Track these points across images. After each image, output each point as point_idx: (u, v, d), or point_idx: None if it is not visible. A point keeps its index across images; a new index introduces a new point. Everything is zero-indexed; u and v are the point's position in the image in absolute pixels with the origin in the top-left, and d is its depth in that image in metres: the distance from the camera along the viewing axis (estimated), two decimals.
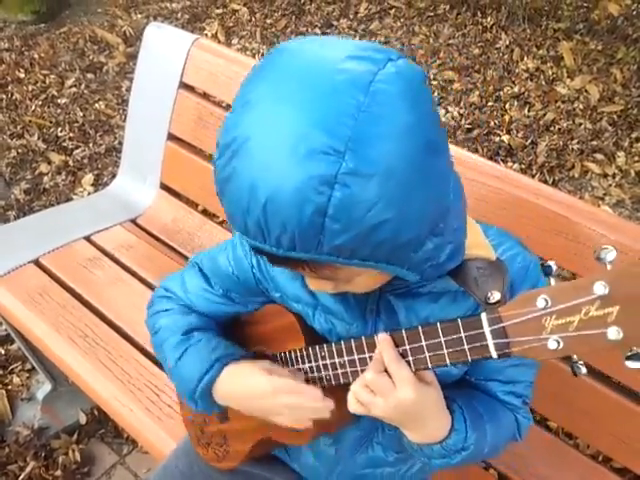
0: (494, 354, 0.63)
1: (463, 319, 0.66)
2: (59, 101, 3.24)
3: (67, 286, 1.56)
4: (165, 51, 1.74)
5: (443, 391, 0.75)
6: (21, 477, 1.68)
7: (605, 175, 2.60)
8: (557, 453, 1.24)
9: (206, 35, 3.66)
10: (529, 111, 2.96)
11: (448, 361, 0.67)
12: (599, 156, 2.67)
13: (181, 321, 0.91)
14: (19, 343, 1.72)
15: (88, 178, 2.72)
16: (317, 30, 3.75)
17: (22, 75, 3.44)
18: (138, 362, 1.37)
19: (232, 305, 0.92)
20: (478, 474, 1.23)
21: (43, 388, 1.84)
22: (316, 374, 0.81)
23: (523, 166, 2.65)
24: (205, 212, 1.83)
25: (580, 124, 2.84)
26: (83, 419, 1.83)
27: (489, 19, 3.68)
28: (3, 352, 1.99)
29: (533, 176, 2.56)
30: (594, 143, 2.73)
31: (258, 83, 0.59)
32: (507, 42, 3.47)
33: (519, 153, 2.72)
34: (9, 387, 1.91)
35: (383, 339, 0.71)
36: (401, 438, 0.78)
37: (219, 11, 4.02)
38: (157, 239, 1.74)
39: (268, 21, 3.91)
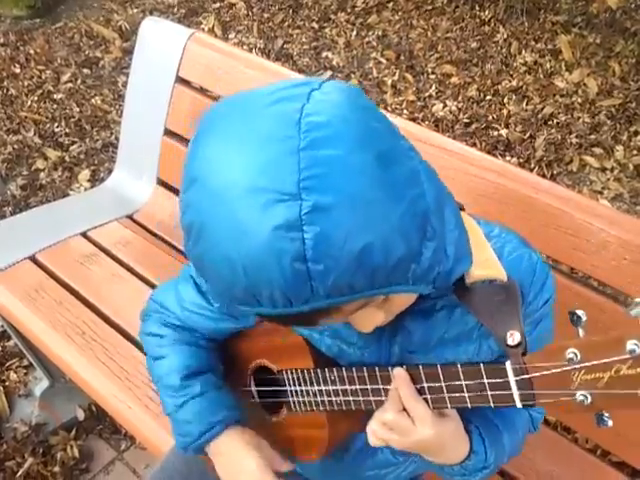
0: (519, 404, 0.62)
1: (486, 364, 0.64)
2: (55, 96, 3.22)
3: (64, 282, 1.55)
4: (161, 45, 1.73)
5: (458, 409, 0.72)
6: (19, 473, 1.68)
7: (603, 169, 2.60)
8: (556, 448, 1.24)
9: (203, 30, 3.64)
10: (527, 105, 2.95)
11: (469, 404, 0.66)
12: (597, 150, 2.66)
13: (179, 360, 0.89)
14: (16, 340, 1.72)
15: (84, 174, 2.71)
16: (314, 24, 3.73)
17: (17, 70, 3.42)
18: (136, 359, 1.36)
19: (231, 321, 0.88)
20: None
21: (40, 384, 1.84)
22: (325, 398, 0.79)
23: (521, 160, 2.64)
24: None
25: (578, 118, 2.83)
26: (81, 415, 1.83)
27: (487, 12, 3.67)
28: (0, 349, 1.98)
29: (531, 170, 2.56)
30: (592, 137, 2.73)
31: (197, 154, 0.59)
32: (505, 35, 3.45)
33: (517, 147, 2.72)
34: (6, 383, 1.91)
35: (399, 375, 0.69)
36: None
37: (216, 5, 3.99)
38: (154, 235, 1.73)
39: (265, 15, 3.89)
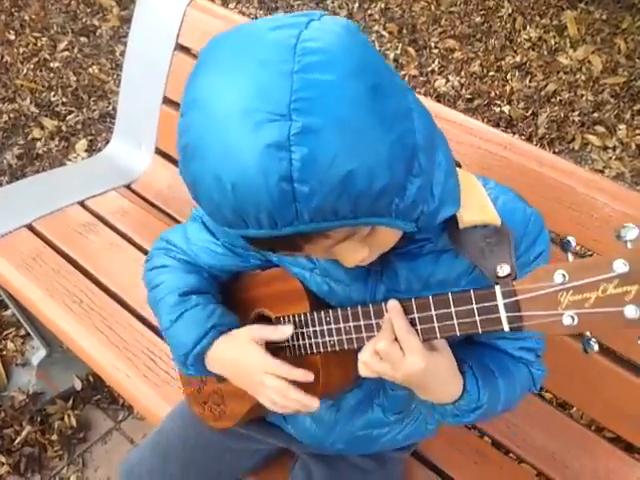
0: (506, 327, 0.63)
1: (476, 290, 0.65)
2: (51, 65, 3.17)
3: (61, 251, 1.54)
4: (160, 12, 1.69)
5: (453, 350, 0.74)
6: (17, 441, 1.69)
7: (605, 148, 2.58)
8: (552, 423, 1.25)
9: None
10: (530, 82, 2.91)
11: (458, 332, 0.67)
12: (600, 128, 2.64)
13: (180, 281, 0.90)
14: (13, 308, 1.71)
15: (82, 144, 2.68)
16: None
17: (12, 37, 3.36)
18: (134, 328, 1.36)
19: (234, 257, 0.91)
20: (473, 441, 1.24)
21: (38, 354, 1.84)
22: (320, 339, 0.80)
23: (523, 137, 2.62)
24: None
25: (582, 96, 2.80)
26: (78, 385, 1.83)
27: None
28: None
29: (530, 145, 2.54)
30: (595, 115, 2.70)
31: (196, 81, 0.60)
32: (510, 10, 3.40)
33: (519, 124, 2.69)
34: (4, 353, 1.91)
35: (393, 306, 0.70)
36: (410, 398, 0.79)
37: None
38: (152, 205, 1.72)
39: None
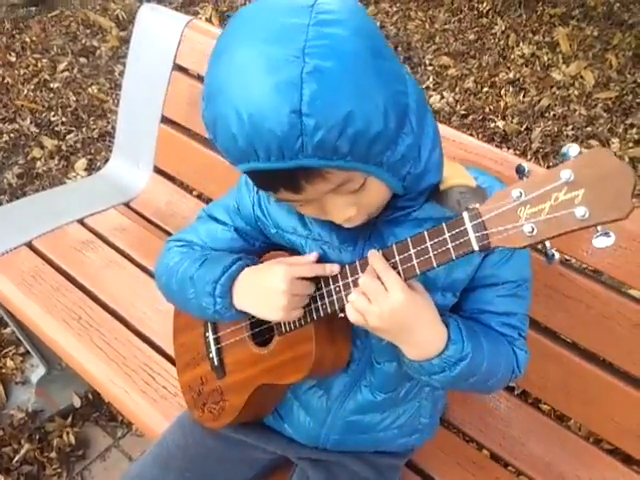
0: (475, 247, 0.68)
1: (447, 222, 0.71)
2: (52, 85, 3.21)
3: (60, 269, 1.55)
4: (158, 32, 1.72)
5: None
6: (16, 459, 1.69)
7: None
8: (550, 434, 1.25)
9: (200, 19, 3.63)
10: (524, 97, 2.95)
11: (435, 263, 0.72)
12: (594, 142, 2.67)
13: (197, 253, 0.97)
14: (13, 326, 1.72)
15: (81, 163, 2.70)
16: None
17: (13, 59, 3.41)
18: (133, 344, 1.37)
19: (240, 240, 0.98)
20: (470, 453, 1.24)
21: (37, 372, 1.84)
22: (312, 305, 0.84)
23: (518, 152, 2.65)
24: (200, 197, 1.82)
25: (575, 110, 2.84)
26: (77, 402, 1.83)
27: (485, 4, 3.66)
28: None
29: (528, 162, 2.57)
30: (589, 129, 2.74)
31: (225, 35, 0.70)
32: (503, 27, 3.46)
33: (514, 139, 2.72)
34: (3, 370, 1.91)
35: (372, 253, 0.77)
36: (397, 374, 0.83)
37: None
38: (151, 222, 1.73)
39: None
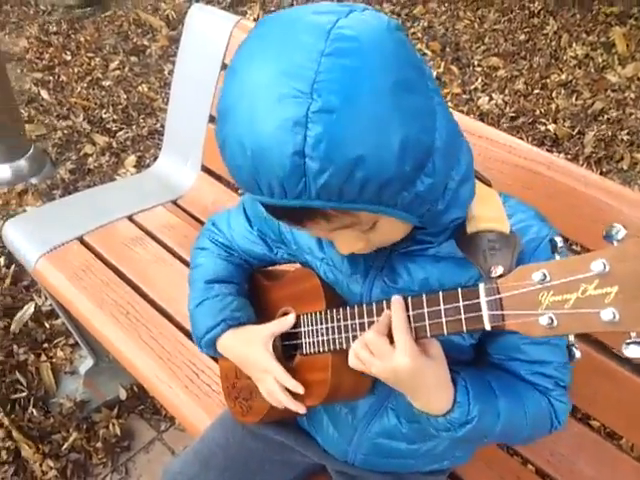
0: (487, 326, 0.63)
1: (463, 288, 0.66)
2: (103, 83, 3.30)
3: (110, 264, 1.59)
4: (208, 32, 1.74)
5: (451, 365, 0.75)
6: (64, 446, 1.74)
7: None
8: (600, 454, 1.20)
9: (248, 19, 3.67)
10: (577, 100, 2.87)
11: (446, 331, 0.68)
12: None
13: (211, 267, 1.00)
14: (63, 318, 1.77)
15: (131, 160, 2.77)
16: None
17: (69, 58, 3.52)
18: (178, 341, 1.39)
19: (263, 246, 0.99)
20: (515, 468, 1.21)
21: (85, 363, 1.90)
22: (329, 336, 0.83)
23: (569, 157, 2.58)
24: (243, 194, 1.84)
25: (631, 114, 2.74)
26: (123, 394, 1.87)
27: (537, 4, 3.58)
28: (48, 326, 2.05)
29: (576, 166, 2.50)
30: None
31: (240, 52, 0.65)
32: (555, 28, 3.37)
33: (565, 143, 2.65)
34: (53, 360, 1.97)
35: (396, 300, 0.72)
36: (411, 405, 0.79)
37: None
38: (198, 220, 1.76)
39: None
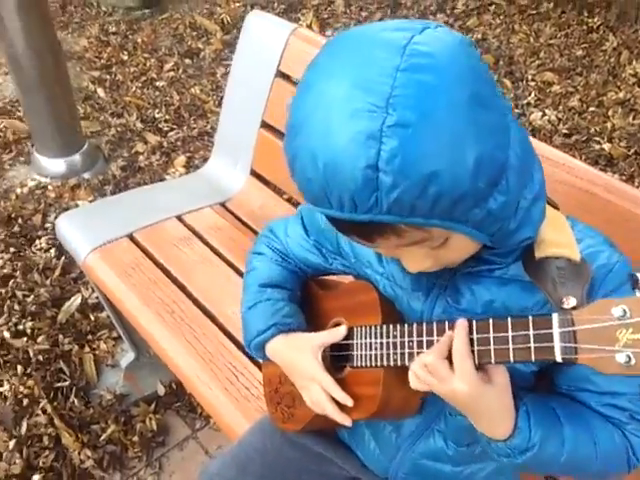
0: (558, 358, 0.61)
1: (535, 316, 0.64)
2: (158, 84, 3.37)
3: (158, 262, 1.62)
4: (264, 39, 1.76)
5: (516, 390, 0.73)
6: (102, 437, 1.77)
7: None
8: None
9: (301, 26, 3.70)
10: (634, 119, 2.79)
11: (512, 358, 0.66)
12: None
13: (266, 272, 1.01)
14: (108, 311, 1.81)
15: (180, 160, 2.82)
16: None
17: (125, 57, 3.61)
18: (220, 342, 1.41)
19: (318, 256, 0.98)
20: None
21: (127, 357, 1.94)
22: (384, 351, 0.82)
23: (624, 177, 2.51)
24: (290, 201, 1.85)
25: None
26: (161, 390, 1.90)
27: (596, 19, 3.50)
28: (93, 319, 2.10)
29: (636, 189, 2.42)
30: None
31: (314, 66, 0.65)
32: (615, 44, 3.29)
33: (620, 163, 2.58)
34: (96, 352, 2.02)
35: (461, 323, 0.71)
36: (470, 427, 0.78)
37: (315, 2, 4.05)
38: (244, 224, 1.78)
39: (363, 14, 3.90)
